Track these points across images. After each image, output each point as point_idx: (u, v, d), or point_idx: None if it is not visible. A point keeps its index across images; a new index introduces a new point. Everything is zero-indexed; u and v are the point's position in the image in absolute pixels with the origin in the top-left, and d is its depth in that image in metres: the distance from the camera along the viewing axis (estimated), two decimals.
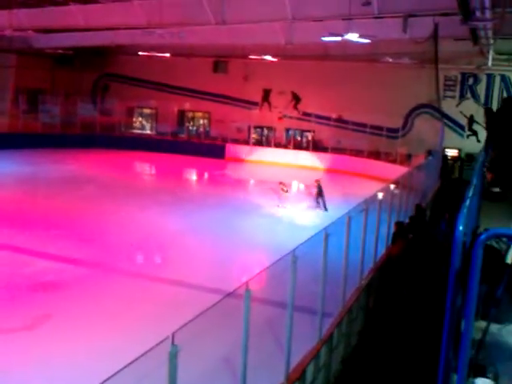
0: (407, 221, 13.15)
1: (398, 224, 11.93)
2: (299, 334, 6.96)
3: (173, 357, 3.89)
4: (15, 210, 17.20)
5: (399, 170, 19.77)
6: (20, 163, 26.41)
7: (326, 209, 19.04)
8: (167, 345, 3.79)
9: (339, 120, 30.08)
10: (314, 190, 19.82)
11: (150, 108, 36.34)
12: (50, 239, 14.18)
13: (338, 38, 17.35)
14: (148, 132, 36.50)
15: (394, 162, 26.52)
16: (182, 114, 35.52)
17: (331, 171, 28.07)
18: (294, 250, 5.97)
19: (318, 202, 19.43)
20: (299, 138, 32.32)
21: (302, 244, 6.18)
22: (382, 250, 11.53)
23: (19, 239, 14.03)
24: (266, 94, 32.46)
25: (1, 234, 14.33)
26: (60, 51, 31.56)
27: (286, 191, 19.90)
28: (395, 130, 28.40)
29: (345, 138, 28.85)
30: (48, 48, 30.43)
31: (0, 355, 8.09)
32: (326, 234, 6.93)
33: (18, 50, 30.86)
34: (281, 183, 20.04)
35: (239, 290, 5.28)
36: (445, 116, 27.92)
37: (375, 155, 27.66)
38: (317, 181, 19.89)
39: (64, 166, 26.00)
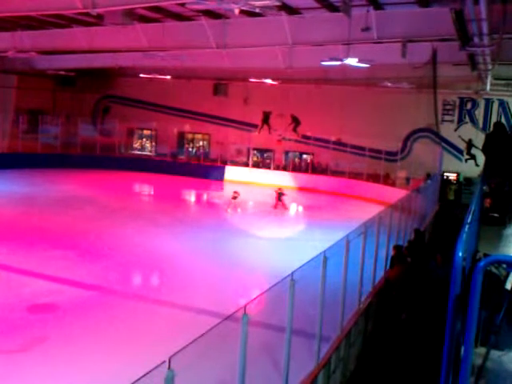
0: (406, 244, 13.12)
1: (397, 248, 11.89)
2: (297, 358, 6.89)
3: (169, 381, 3.84)
4: (14, 230, 17.16)
5: (398, 193, 19.80)
6: (19, 183, 26.46)
7: (275, 207, 23.62)
8: (164, 369, 3.75)
9: (338, 143, 30.22)
10: (275, 196, 23.86)
11: (150, 129, 36.53)
12: (49, 260, 14.11)
13: (338, 63, 17.51)
14: (148, 153, 36.62)
15: (392, 185, 26.60)
16: (181, 136, 35.68)
17: (330, 194, 28.10)
18: (292, 274, 5.94)
19: (276, 205, 23.68)
20: (298, 161, 32.44)
21: (300, 267, 6.15)
22: (380, 274, 11.48)
23: (17, 259, 13.97)
24: (266, 117, 32.62)
25: None
26: (62, 72, 31.81)
27: (235, 198, 22.75)
28: (394, 154, 28.50)
29: (344, 161, 28.94)
30: (50, 69, 30.69)
31: None
32: (325, 257, 6.90)
33: (19, 71, 31.15)
34: (234, 192, 22.92)
35: (237, 314, 5.24)
36: (443, 140, 28.06)
37: (374, 178, 27.71)
38: (279, 189, 24.11)
39: (63, 187, 26.00)
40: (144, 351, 8.74)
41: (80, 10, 14.15)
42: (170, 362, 3.74)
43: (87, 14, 16.16)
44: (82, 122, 34.31)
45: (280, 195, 23.79)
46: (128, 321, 10.46)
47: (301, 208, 26.81)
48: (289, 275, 5.91)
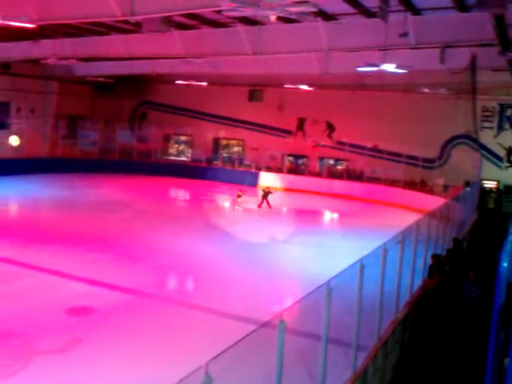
0: (444, 253, 12.88)
1: (435, 257, 11.68)
2: (332, 367, 6.81)
3: None
4: (52, 233, 17.55)
5: (436, 201, 19.46)
6: (59, 187, 27.08)
7: (260, 207, 24.41)
8: (201, 375, 3.74)
9: (374, 149, 29.92)
10: (262, 193, 24.80)
11: (186, 135, 36.89)
12: (87, 263, 14.37)
13: (374, 69, 17.34)
14: (183, 159, 36.98)
15: (430, 192, 26.15)
16: (216, 142, 35.92)
17: (366, 200, 27.82)
18: (328, 282, 5.88)
19: (261, 203, 24.47)
20: (333, 167, 32.24)
21: (337, 275, 6.09)
22: (418, 283, 11.28)
23: (57, 262, 14.27)
24: (301, 123, 32.61)
25: (37, 256, 14.62)
26: (101, 79, 32.45)
27: (240, 196, 23.99)
28: (431, 161, 28.07)
29: (379, 168, 28.64)
30: (89, 76, 31.35)
31: (28, 377, 8.17)
32: (362, 265, 6.81)
33: (60, 77, 31.93)
34: (239, 190, 24.27)
35: (271, 320, 5.21)
36: (482, 147, 27.49)
37: (411, 185, 27.32)
38: (268, 187, 25.08)
39: (101, 191, 26.47)
40: (178, 355, 8.82)
41: (119, 18, 14.40)
42: (207, 367, 3.74)
43: (126, 22, 16.45)
44: (120, 128, 34.97)
45: (266, 194, 24.41)
46: (163, 324, 10.53)
47: (336, 215, 26.63)
48: (325, 283, 5.85)
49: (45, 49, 22.83)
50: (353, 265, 6.79)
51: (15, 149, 30.93)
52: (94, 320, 10.65)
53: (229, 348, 4.06)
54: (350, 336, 7.59)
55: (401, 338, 10.00)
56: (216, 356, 3.86)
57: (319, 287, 5.79)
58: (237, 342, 4.17)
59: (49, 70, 30.55)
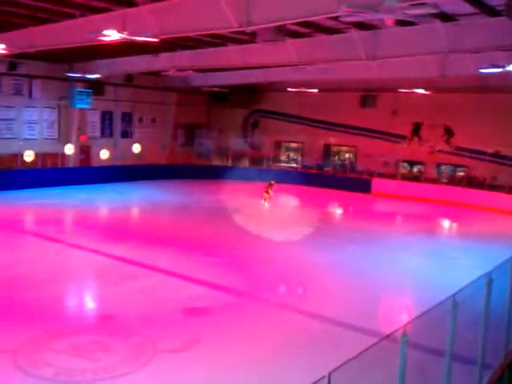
0: None
1: None
2: None
3: None
4: (171, 237, 18.41)
5: None
6: (177, 193, 28.46)
7: (265, 204, 25.55)
8: None
9: (496, 155, 28.19)
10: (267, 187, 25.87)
11: (297, 142, 37.08)
12: (203, 266, 14.86)
13: (499, 70, 16.37)
14: (294, 165, 37.18)
15: None
16: (327, 148, 35.72)
17: (487, 209, 26.26)
18: (454, 295, 5.60)
19: (265, 197, 25.73)
20: (452, 174, 30.77)
21: (463, 288, 5.79)
22: None
23: (174, 264, 14.95)
24: (416, 128, 31.56)
25: (158, 258, 15.39)
26: (215, 89, 33.61)
27: (267, 193, 25.58)
28: None
29: (502, 175, 26.92)
30: (205, 86, 32.57)
31: (152, 374, 8.55)
32: (490, 279, 6.42)
33: (178, 88, 33.53)
34: (267, 186, 25.83)
35: (393, 333, 5.06)
36: None
37: None
38: (273, 182, 26.21)
39: (217, 197, 27.31)
40: (294, 361, 8.84)
41: (236, 29, 14.75)
42: (329, 377, 3.71)
43: (241, 33, 16.89)
44: (234, 136, 36.01)
45: (270, 186, 25.93)
46: (277, 330, 10.59)
47: (454, 224, 25.41)
48: (450, 296, 5.59)
49: (165, 61, 24.09)
50: (480, 278, 6.42)
51: (137, 156, 32.90)
52: (212, 321, 10.98)
53: (352, 359, 4.00)
54: (471, 352, 7.20)
55: None
56: (339, 366, 3.83)
57: (445, 300, 5.54)
58: (360, 354, 4.10)
59: (168, 82, 32.17)
